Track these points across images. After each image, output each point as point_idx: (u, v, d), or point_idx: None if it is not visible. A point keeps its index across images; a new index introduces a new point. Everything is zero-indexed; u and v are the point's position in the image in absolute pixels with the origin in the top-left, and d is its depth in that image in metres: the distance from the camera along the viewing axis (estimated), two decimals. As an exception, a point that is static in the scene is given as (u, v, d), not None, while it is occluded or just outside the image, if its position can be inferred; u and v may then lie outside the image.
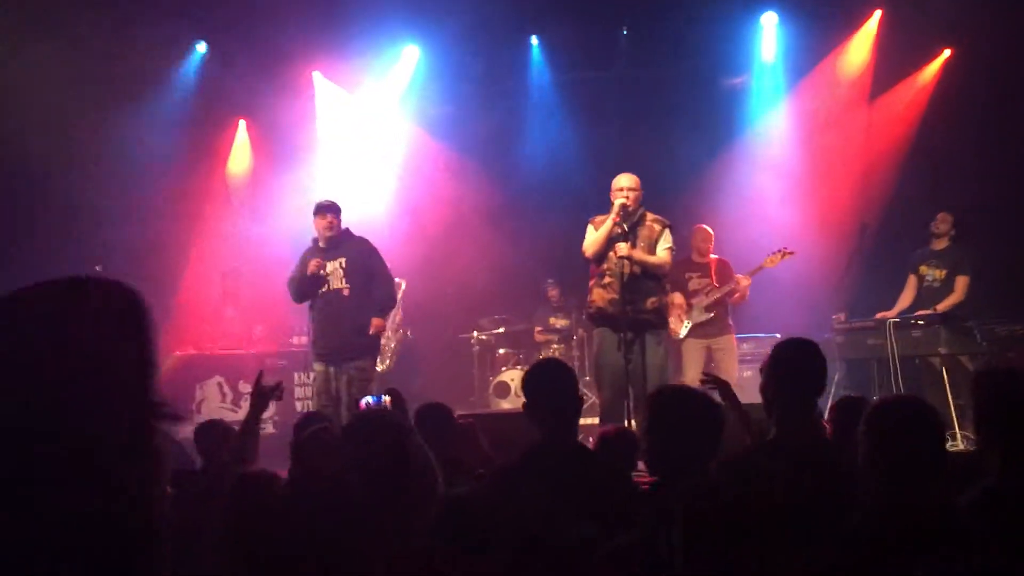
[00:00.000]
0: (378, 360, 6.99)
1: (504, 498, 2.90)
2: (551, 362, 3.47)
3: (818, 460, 2.99)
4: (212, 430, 3.98)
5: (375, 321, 6.15)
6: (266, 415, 7.82)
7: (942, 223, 7.18)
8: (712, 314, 7.30)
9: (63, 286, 0.91)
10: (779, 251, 7.20)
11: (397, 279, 7.69)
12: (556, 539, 2.38)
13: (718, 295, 7.28)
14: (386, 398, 3.72)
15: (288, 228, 8.64)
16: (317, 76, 9.64)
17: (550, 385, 3.14)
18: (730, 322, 7.43)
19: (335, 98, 9.75)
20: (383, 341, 7.45)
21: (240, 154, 9.75)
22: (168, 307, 8.08)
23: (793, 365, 3.16)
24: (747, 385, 7.68)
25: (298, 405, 7.78)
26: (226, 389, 7.87)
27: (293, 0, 8.14)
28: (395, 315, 7.99)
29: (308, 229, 6.45)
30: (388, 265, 6.38)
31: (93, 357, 0.86)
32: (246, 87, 9.09)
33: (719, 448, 2.79)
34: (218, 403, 7.79)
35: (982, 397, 2.76)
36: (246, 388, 7.70)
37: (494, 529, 2.44)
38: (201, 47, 8.99)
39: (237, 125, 9.70)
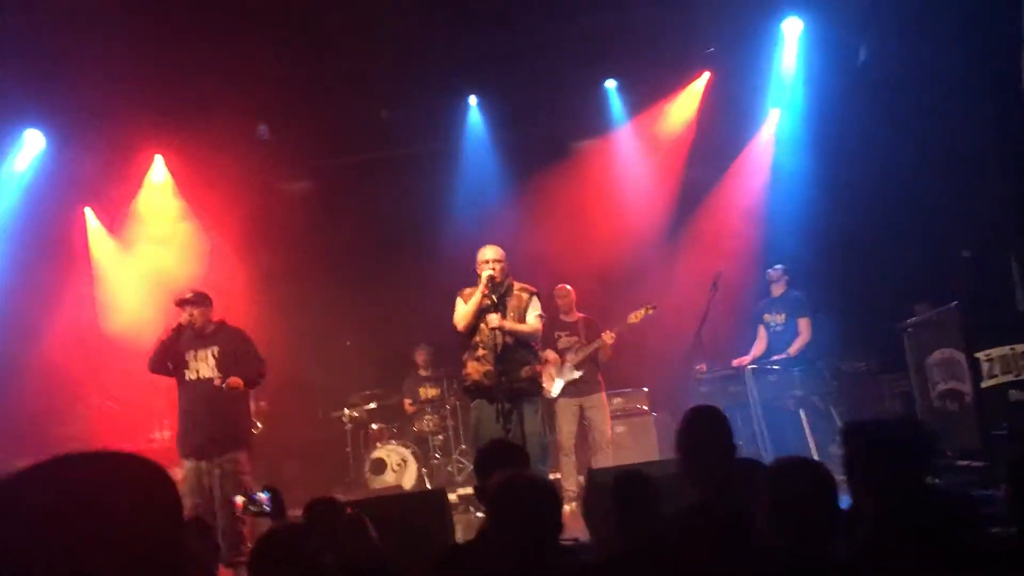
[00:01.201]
0: None
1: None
2: (503, 444, 3.53)
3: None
4: None
5: (232, 380, 5.87)
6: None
7: (774, 272, 7.80)
8: (582, 372, 7.42)
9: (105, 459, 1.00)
10: (643, 307, 7.42)
11: None
12: None
13: (587, 352, 7.42)
14: (262, 495, 3.56)
15: (147, 316, 8.33)
16: (159, 160, 9.34)
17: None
18: (600, 379, 7.57)
19: (170, 182, 9.44)
20: None
21: (99, 241, 9.31)
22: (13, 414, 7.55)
23: (704, 433, 3.40)
24: (620, 441, 7.89)
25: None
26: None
27: (131, 84, 7.85)
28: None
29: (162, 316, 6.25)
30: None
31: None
32: (89, 174, 8.70)
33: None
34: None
35: (852, 450, 2.90)
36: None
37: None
38: (35, 135, 8.51)
39: (83, 213, 9.26)
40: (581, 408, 7.42)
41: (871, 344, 7.85)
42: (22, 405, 7.70)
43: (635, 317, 7.40)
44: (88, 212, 9.31)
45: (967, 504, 2.98)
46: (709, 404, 3.72)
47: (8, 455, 7.41)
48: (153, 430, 7.83)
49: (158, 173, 9.36)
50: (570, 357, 7.45)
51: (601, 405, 7.47)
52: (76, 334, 8.57)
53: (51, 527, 0.89)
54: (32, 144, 8.54)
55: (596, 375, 7.53)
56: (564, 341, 7.54)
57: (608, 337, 7.36)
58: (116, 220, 9.29)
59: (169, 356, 5.95)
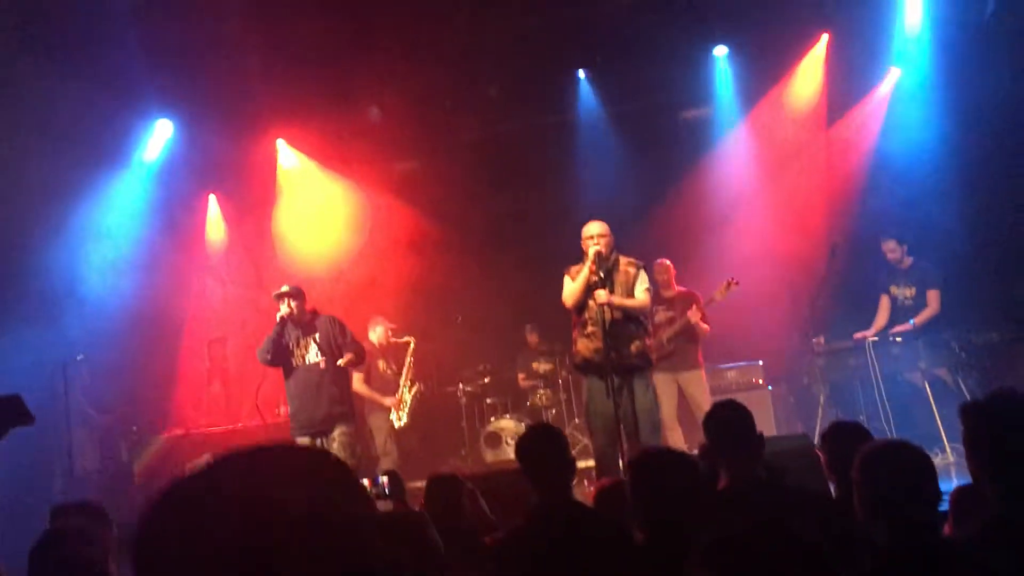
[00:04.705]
0: (396, 415, 7.80)
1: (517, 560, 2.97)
2: (541, 429, 3.55)
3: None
4: None
5: (347, 356, 6.42)
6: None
7: (889, 252, 7.40)
8: (672, 348, 7.33)
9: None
10: (726, 283, 7.25)
11: (406, 337, 8.15)
12: None
13: (675, 329, 7.32)
14: (383, 479, 3.75)
15: (267, 298, 8.69)
16: (281, 144, 9.69)
17: (541, 452, 3.22)
18: (698, 355, 7.44)
19: (299, 164, 9.81)
20: (399, 395, 7.95)
21: (215, 226, 9.77)
22: (154, 388, 8.05)
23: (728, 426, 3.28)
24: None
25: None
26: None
27: (255, 70, 8.18)
28: (407, 372, 8.10)
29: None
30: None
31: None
32: (212, 160, 9.12)
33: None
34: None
35: (972, 427, 2.77)
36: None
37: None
38: (165, 124, 8.96)
39: (207, 199, 9.71)
40: (678, 384, 7.35)
41: (1006, 313, 7.45)
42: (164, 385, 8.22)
43: (720, 294, 7.26)
44: (211, 198, 9.76)
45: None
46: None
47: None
48: (277, 404, 8.19)
49: (285, 155, 9.75)
50: (664, 332, 7.35)
51: (698, 380, 7.37)
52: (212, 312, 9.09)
53: (240, 525, 0.89)
54: (162, 133, 9.01)
55: (693, 351, 7.40)
56: (660, 316, 7.43)
57: (693, 316, 7.24)
58: (240, 203, 9.71)
59: (278, 347, 6.40)
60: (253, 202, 9.66)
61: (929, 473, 2.46)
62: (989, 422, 2.72)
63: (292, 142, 9.70)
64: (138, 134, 8.91)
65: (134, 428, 7.91)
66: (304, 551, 0.90)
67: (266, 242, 9.58)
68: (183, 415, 8.40)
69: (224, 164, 9.28)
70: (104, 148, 8.39)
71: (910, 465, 2.45)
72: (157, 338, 8.57)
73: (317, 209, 9.76)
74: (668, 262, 7.64)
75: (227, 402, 8.61)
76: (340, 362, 6.38)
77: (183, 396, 8.65)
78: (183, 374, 8.81)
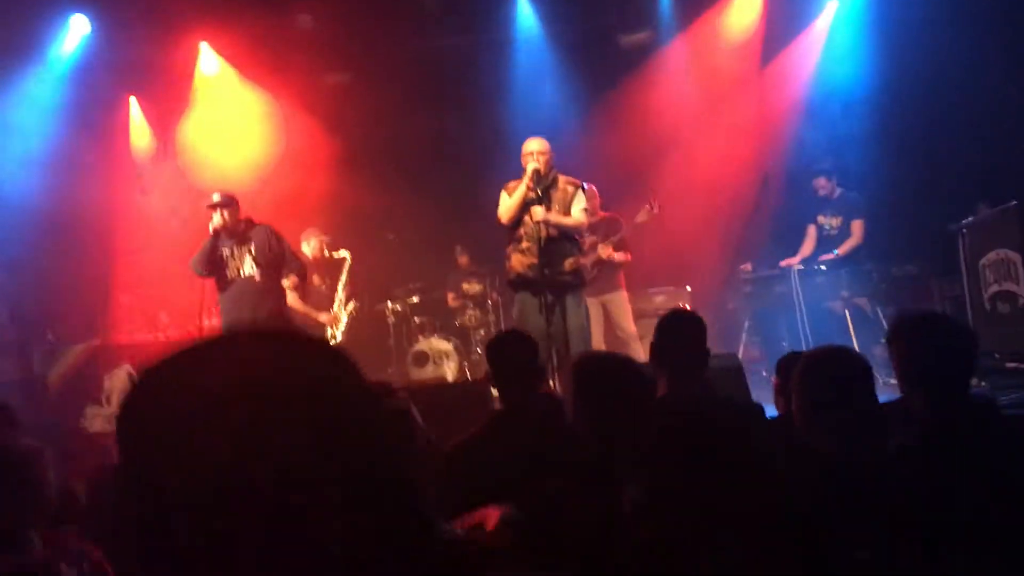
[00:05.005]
0: (331, 331, 7.57)
1: (477, 463, 2.95)
2: (514, 333, 3.50)
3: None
4: None
5: (292, 277, 6.36)
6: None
7: (820, 188, 7.52)
8: (596, 272, 7.34)
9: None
10: (647, 207, 7.24)
11: (343, 252, 7.83)
12: (531, 495, 2.41)
13: (593, 258, 7.34)
14: None
15: (188, 205, 8.40)
16: (204, 47, 9.24)
17: (513, 354, 3.18)
18: (620, 279, 7.50)
19: (222, 70, 9.37)
20: (334, 311, 7.74)
21: (138, 130, 9.34)
22: (70, 295, 7.74)
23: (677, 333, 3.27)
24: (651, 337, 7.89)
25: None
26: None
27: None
28: (343, 288, 7.90)
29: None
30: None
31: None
32: (133, 60, 8.66)
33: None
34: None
35: (901, 344, 2.82)
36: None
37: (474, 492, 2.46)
38: (81, 21, 8.46)
39: (127, 101, 9.26)
40: (604, 306, 7.40)
41: (924, 247, 7.68)
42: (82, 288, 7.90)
43: (641, 217, 7.28)
44: (132, 100, 9.32)
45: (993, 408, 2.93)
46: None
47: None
48: (203, 318, 7.97)
49: (207, 60, 9.30)
50: (588, 258, 7.36)
51: (621, 302, 7.43)
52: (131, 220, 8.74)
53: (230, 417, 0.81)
54: (78, 28, 8.51)
55: (615, 273, 7.46)
56: (586, 241, 7.43)
57: (603, 251, 7.28)
58: (162, 108, 9.29)
59: (212, 259, 6.10)
60: (176, 107, 9.23)
61: (868, 376, 2.49)
62: (915, 342, 2.79)
63: (216, 46, 9.24)
64: (52, 29, 8.40)
65: (48, 337, 7.63)
66: (302, 422, 0.83)
67: (188, 149, 9.20)
68: (100, 324, 8.11)
69: (145, 65, 8.80)
70: (13, 41, 7.89)
71: (848, 371, 2.48)
72: (73, 242, 8.18)
73: (241, 118, 9.37)
74: (593, 188, 7.60)
75: (141, 313, 8.31)
76: (285, 283, 6.14)
77: (99, 305, 8.34)
78: (99, 281, 8.45)
